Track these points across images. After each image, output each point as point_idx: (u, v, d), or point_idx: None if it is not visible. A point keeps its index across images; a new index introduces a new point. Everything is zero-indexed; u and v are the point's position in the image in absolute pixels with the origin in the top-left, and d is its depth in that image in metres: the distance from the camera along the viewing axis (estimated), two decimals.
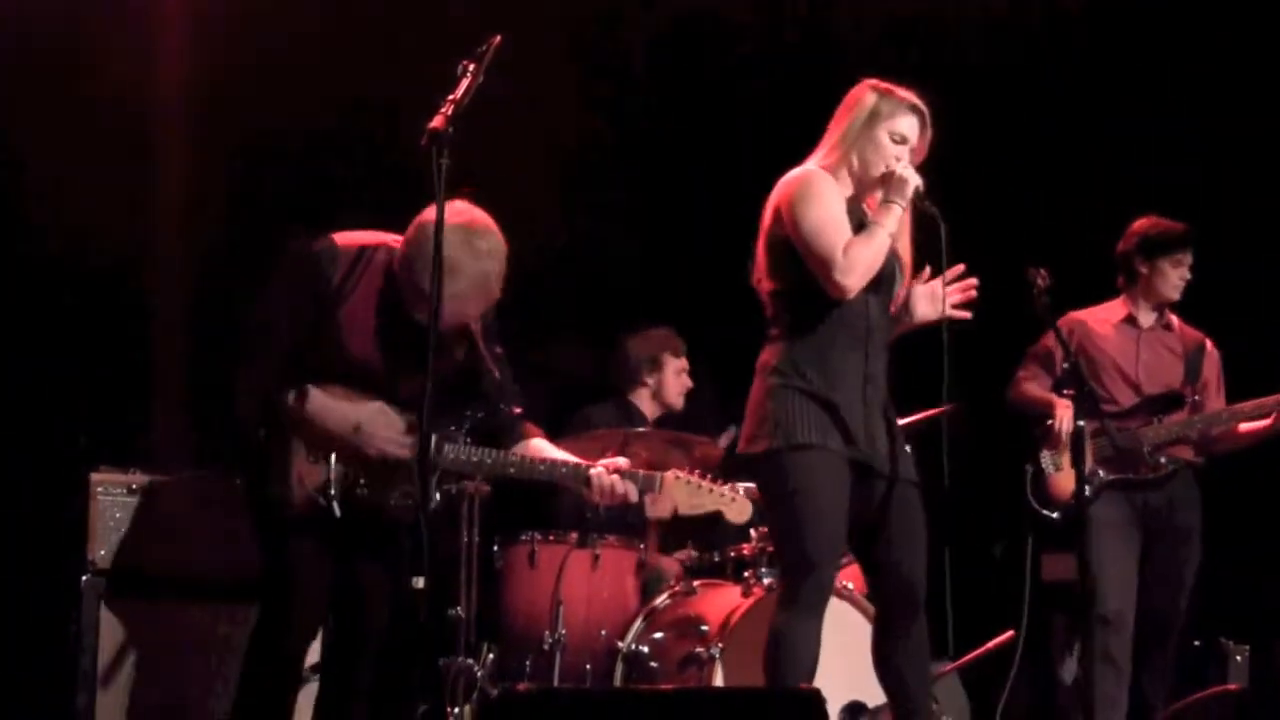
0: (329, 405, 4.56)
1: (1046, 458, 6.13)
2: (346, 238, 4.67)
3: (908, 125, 4.79)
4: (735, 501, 4.95)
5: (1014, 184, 7.35)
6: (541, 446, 4.85)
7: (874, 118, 4.79)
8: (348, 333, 4.59)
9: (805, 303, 4.77)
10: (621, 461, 4.83)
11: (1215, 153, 7.37)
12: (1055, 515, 6.08)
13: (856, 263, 4.66)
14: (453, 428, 4.63)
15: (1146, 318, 6.29)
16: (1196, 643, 6.63)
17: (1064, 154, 7.56)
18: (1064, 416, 5.92)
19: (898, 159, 4.77)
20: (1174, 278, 6.22)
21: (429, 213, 4.45)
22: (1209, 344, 6.35)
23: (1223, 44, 7.35)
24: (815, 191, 4.75)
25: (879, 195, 4.80)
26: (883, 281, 4.77)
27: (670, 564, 6.46)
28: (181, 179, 6.56)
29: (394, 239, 4.64)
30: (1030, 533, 6.14)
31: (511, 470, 4.76)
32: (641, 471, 4.86)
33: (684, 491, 4.90)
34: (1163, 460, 6.11)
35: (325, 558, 4.63)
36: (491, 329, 4.80)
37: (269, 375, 4.56)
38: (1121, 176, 7.41)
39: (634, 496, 4.81)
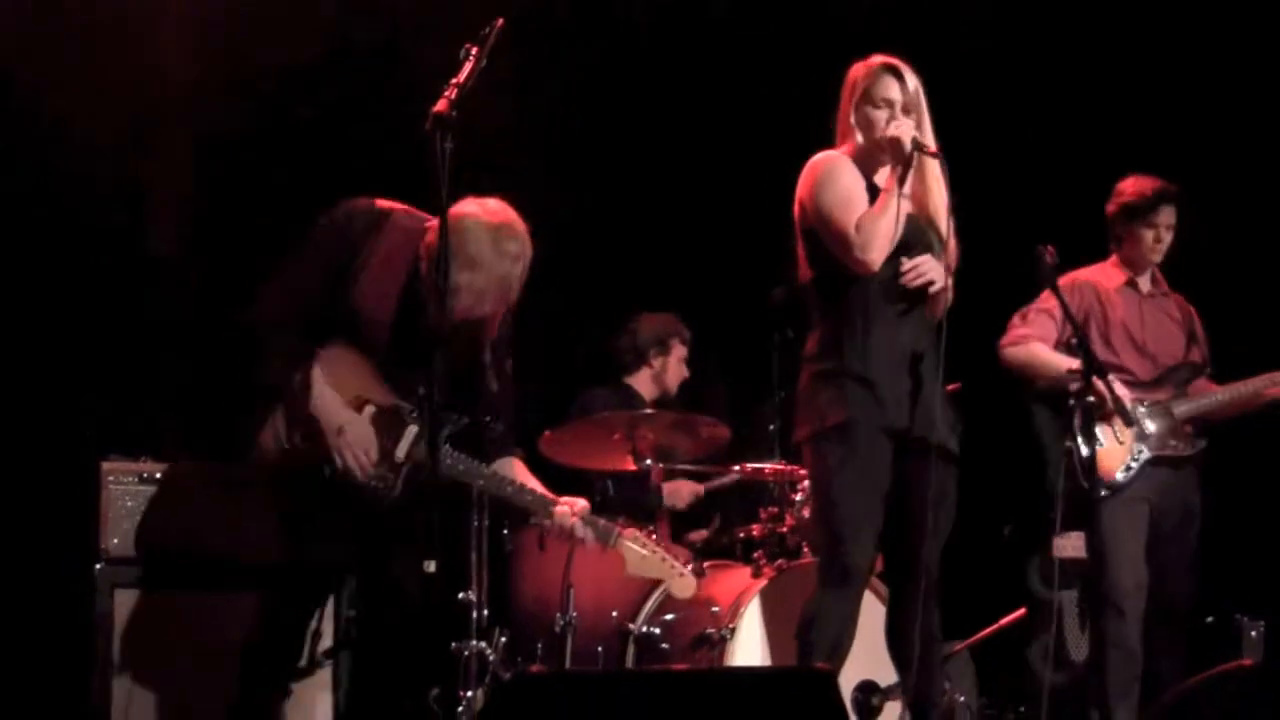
0: (325, 395, 4.59)
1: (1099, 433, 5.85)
2: (386, 202, 4.74)
3: (886, 87, 4.85)
4: (682, 577, 4.98)
5: (1008, 157, 7.28)
6: (518, 468, 4.89)
7: (856, 91, 4.89)
8: (365, 294, 4.64)
9: (837, 285, 4.82)
10: (582, 504, 4.84)
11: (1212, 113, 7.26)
12: (1104, 493, 5.86)
13: (871, 235, 4.70)
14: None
15: (1144, 283, 6.16)
16: (1210, 619, 6.61)
17: (1055, 123, 7.49)
18: (1120, 389, 5.70)
19: (890, 120, 4.81)
20: (1149, 239, 6.06)
21: (459, 207, 4.51)
22: (1192, 308, 6.23)
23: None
24: (826, 175, 4.84)
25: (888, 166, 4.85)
26: (912, 249, 4.78)
27: (680, 551, 6.46)
28: (187, 162, 6.56)
29: (432, 221, 4.66)
30: (1055, 509, 6.06)
31: (480, 482, 4.80)
32: (601, 521, 4.90)
33: (634, 554, 4.92)
34: (1191, 434, 5.98)
35: (337, 534, 4.65)
36: (505, 340, 4.84)
37: (295, 334, 4.61)
38: (1109, 139, 7.23)
39: (589, 542, 4.84)
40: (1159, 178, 6.11)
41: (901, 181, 4.75)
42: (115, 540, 5.49)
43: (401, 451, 4.66)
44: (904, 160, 4.75)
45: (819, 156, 4.90)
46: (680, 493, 6.81)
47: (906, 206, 4.78)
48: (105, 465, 5.54)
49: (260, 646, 4.75)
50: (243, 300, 4.74)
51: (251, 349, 4.66)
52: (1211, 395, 6.03)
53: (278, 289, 4.68)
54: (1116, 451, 5.91)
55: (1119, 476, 5.90)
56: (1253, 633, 6.50)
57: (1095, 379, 5.29)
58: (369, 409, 4.67)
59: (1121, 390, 5.76)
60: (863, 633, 4.96)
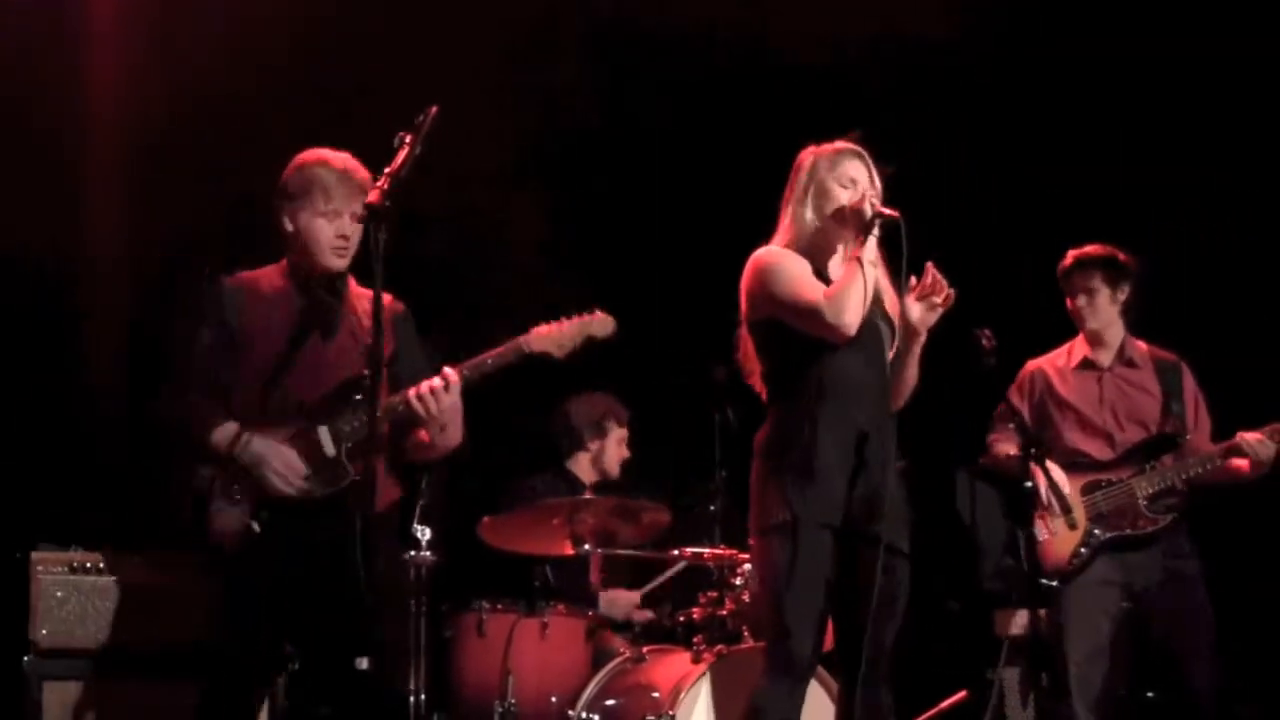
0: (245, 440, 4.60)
1: (1039, 524, 5.81)
2: (237, 274, 4.81)
3: (853, 169, 4.84)
4: (595, 320, 4.89)
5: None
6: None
7: (816, 175, 4.86)
8: (261, 347, 4.68)
9: (789, 376, 4.79)
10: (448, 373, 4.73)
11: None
12: (1054, 583, 5.76)
13: (844, 299, 4.66)
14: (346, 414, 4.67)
15: (1104, 355, 6.02)
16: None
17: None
18: (1040, 481, 5.70)
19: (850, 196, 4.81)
20: (1073, 308, 5.99)
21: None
22: (1184, 366, 6.01)
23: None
24: (775, 263, 4.81)
25: (847, 246, 4.81)
26: (865, 335, 4.76)
27: (620, 642, 6.41)
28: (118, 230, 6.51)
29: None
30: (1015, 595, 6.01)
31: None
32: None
33: (552, 343, 4.83)
34: (1162, 510, 5.81)
35: (267, 600, 4.60)
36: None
37: (191, 389, 4.66)
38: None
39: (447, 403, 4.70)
40: (1099, 245, 6.01)
41: (866, 248, 4.72)
42: (44, 631, 5.41)
43: (329, 448, 4.65)
44: (865, 227, 4.73)
45: (762, 251, 4.86)
46: (617, 604, 6.71)
47: (875, 274, 4.75)
48: (35, 555, 5.46)
49: None
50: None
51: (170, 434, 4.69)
52: (1166, 471, 5.81)
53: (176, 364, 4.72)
54: (1068, 538, 5.85)
55: (1071, 563, 5.83)
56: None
57: (1033, 466, 5.29)
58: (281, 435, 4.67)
59: (1059, 477, 5.76)
60: None
